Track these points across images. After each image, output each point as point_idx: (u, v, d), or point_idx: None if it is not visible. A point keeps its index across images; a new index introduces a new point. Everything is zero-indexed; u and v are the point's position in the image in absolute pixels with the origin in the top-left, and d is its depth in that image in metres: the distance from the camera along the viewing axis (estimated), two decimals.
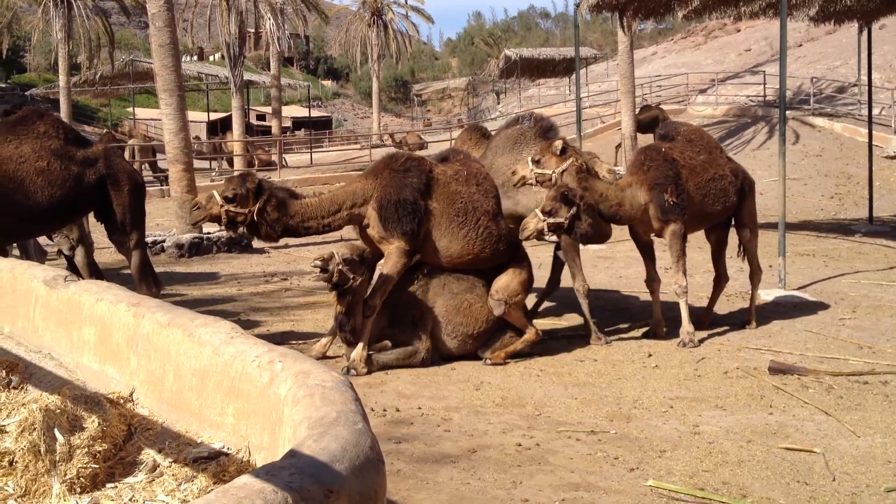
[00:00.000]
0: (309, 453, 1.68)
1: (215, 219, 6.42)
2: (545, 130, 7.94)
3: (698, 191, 7.42)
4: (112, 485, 2.41)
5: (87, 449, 2.40)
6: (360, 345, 6.50)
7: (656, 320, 7.65)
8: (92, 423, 2.49)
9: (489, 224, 6.79)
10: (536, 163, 7.11)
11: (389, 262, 6.55)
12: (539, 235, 7.13)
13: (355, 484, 1.67)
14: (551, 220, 6.86)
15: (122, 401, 2.87)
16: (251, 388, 2.38)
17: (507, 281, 6.83)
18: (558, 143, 7.14)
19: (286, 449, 1.77)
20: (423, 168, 6.70)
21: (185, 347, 2.69)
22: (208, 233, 13.71)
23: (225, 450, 2.44)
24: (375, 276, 6.70)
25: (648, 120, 23.31)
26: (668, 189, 7.16)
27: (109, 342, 3.15)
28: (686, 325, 7.30)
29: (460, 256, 6.78)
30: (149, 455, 2.53)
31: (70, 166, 7.01)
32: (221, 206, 6.31)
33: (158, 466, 2.44)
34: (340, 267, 6.27)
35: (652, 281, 7.64)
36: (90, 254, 8.28)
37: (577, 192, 6.91)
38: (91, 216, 7.73)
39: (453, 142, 8.88)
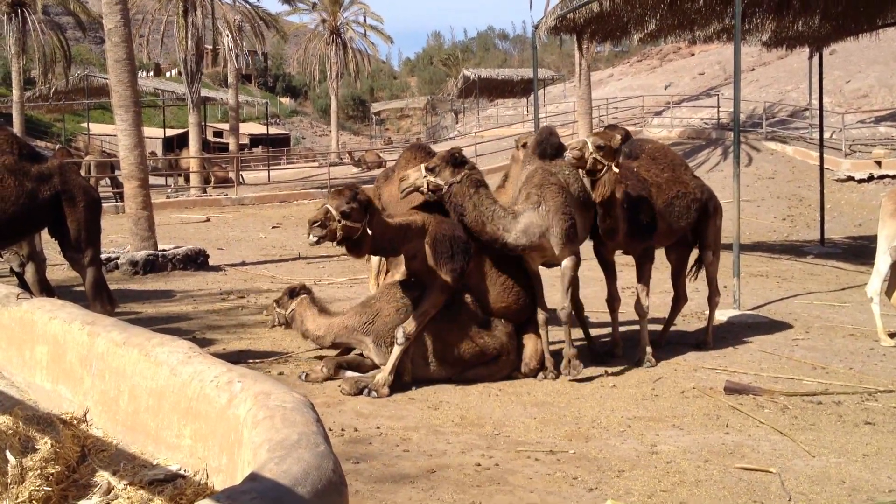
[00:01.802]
0: (270, 477, 1.64)
1: (332, 236, 6.07)
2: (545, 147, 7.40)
3: (666, 208, 7.48)
4: None
5: (39, 471, 2.33)
6: (389, 368, 6.42)
7: (614, 340, 7.69)
8: (45, 444, 2.42)
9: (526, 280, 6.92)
10: (430, 171, 6.56)
11: (431, 297, 6.51)
12: (418, 191, 6.64)
13: None
14: (432, 177, 6.51)
15: (75, 421, 2.80)
16: (209, 409, 2.33)
17: (533, 347, 6.89)
18: (455, 154, 6.78)
19: (245, 472, 1.73)
20: None
21: (141, 367, 2.63)
22: (163, 250, 13.54)
23: (182, 472, 2.39)
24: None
25: None
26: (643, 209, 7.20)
27: (63, 361, 3.07)
28: (645, 345, 7.37)
29: (494, 303, 6.85)
30: (103, 477, 2.46)
31: (24, 182, 6.89)
32: (339, 221, 6.01)
33: (113, 489, 2.37)
34: (341, 222, 6.03)
35: (613, 300, 7.67)
36: (41, 270, 8.12)
37: (468, 161, 6.71)
38: (45, 232, 7.59)
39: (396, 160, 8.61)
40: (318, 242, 6.19)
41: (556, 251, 6.75)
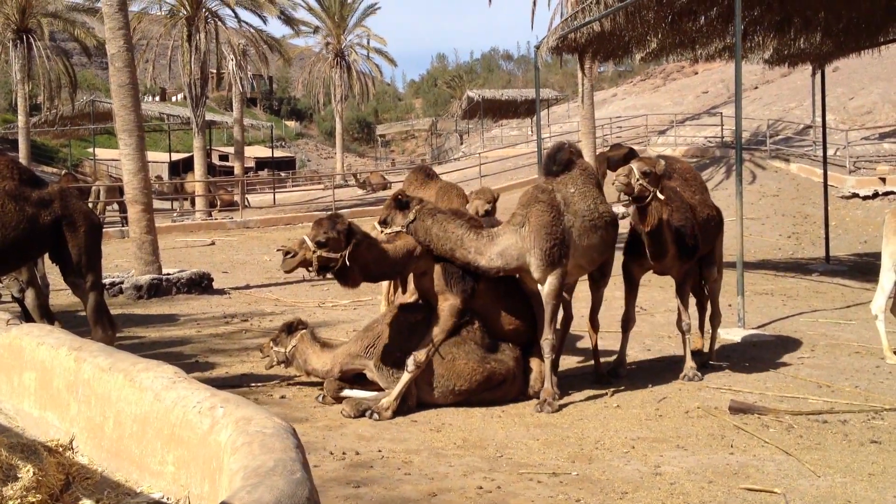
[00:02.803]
0: None
1: (306, 264, 6.12)
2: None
3: (701, 230, 7.52)
4: None
5: (20, 500, 2.29)
6: (395, 394, 6.36)
7: (620, 360, 7.63)
8: (27, 472, 2.38)
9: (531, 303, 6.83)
10: (383, 223, 6.52)
11: (441, 321, 6.46)
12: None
13: None
14: (388, 230, 6.48)
15: (61, 448, 2.76)
16: (191, 435, 2.29)
17: (538, 370, 6.79)
18: (398, 196, 6.68)
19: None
20: None
21: (125, 393, 2.59)
22: (168, 273, 13.53)
23: (164, 500, 2.34)
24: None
25: (618, 158, 23.49)
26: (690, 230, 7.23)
27: (50, 387, 3.04)
28: (689, 361, 7.45)
29: (502, 325, 6.78)
30: None
31: (25, 207, 6.87)
32: (314, 251, 6.05)
33: None
34: (317, 252, 6.04)
35: (629, 321, 7.63)
36: (41, 296, 8.09)
37: (412, 198, 6.59)
38: (46, 257, 7.57)
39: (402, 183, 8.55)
40: (290, 271, 6.29)
41: (536, 274, 6.58)
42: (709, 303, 8.21)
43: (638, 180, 6.70)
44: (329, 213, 6.50)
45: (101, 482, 2.60)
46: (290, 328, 7.03)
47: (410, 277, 7.21)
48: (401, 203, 6.49)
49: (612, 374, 7.50)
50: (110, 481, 2.59)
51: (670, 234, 7.08)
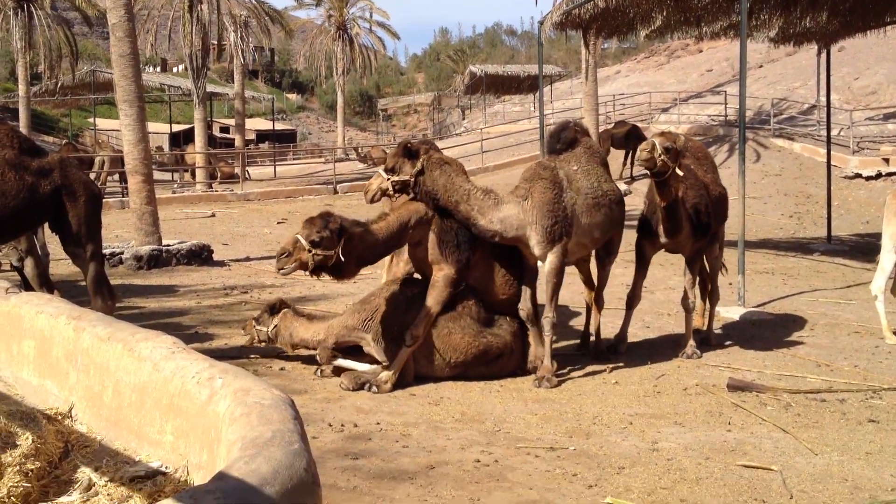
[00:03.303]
0: (238, 476, 1.59)
1: (303, 266, 6.16)
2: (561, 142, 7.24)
3: (714, 208, 7.55)
4: None
5: (18, 467, 2.29)
6: (395, 367, 6.37)
7: (621, 337, 7.63)
8: (26, 440, 2.38)
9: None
10: (391, 171, 6.38)
11: (435, 292, 6.45)
12: (385, 195, 6.58)
13: None
14: (395, 177, 6.36)
15: (60, 417, 2.77)
16: (190, 406, 2.29)
17: (538, 344, 6.78)
18: (408, 145, 6.61)
19: None
20: None
21: (124, 362, 2.59)
22: (168, 245, 13.52)
23: (163, 469, 2.35)
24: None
25: (623, 135, 23.40)
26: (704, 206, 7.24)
27: (49, 356, 3.04)
28: (689, 338, 7.47)
29: (496, 295, 6.77)
30: (85, 474, 2.42)
31: (24, 176, 6.85)
32: (309, 251, 6.09)
33: (94, 485, 2.34)
34: (312, 251, 6.08)
35: (634, 298, 7.64)
36: (40, 265, 8.09)
37: (420, 147, 6.54)
38: (47, 227, 7.56)
39: None
40: (287, 273, 6.35)
41: (536, 251, 6.57)
42: (710, 279, 8.22)
43: (660, 155, 6.69)
44: (321, 211, 6.46)
45: (100, 450, 2.61)
46: (273, 309, 7.12)
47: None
48: (409, 151, 6.41)
49: (611, 350, 7.52)
50: (109, 449, 2.59)
51: (685, 211, 7.10)
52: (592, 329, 7.61)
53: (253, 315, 7.38)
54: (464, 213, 6.43)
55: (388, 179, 6.36)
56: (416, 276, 6.96)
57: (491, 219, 6.46)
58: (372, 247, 6.37)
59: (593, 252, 7.41)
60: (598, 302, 7.55)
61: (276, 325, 7.02)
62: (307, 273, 6.27)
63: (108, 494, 2.30)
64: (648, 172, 6.91)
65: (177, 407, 2.36)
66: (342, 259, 6.14)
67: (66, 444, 2.59)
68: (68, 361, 2.93)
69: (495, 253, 6.75)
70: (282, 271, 6.27)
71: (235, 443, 1.79)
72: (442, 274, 6.46)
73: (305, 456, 1.77)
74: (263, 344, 7.19)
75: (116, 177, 24.67)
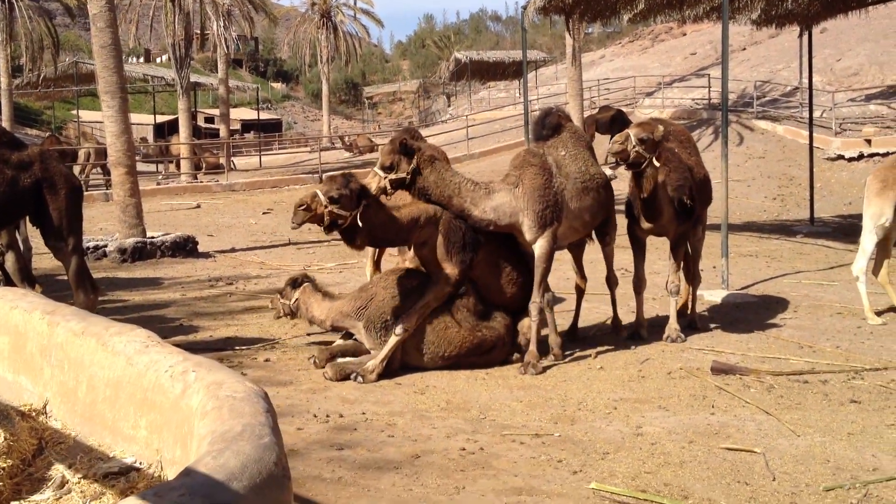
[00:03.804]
0: (205, 471, 1.58)
1: (317, 220, 6.10)
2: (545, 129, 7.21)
3: (698, 191, 7.54)
4: (17, 503, 2.29)
5: None
6: (381, 356, 6.36)
7: (639, 321, 7.61)
8: None
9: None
10: (389, 169, 6.31)
11: (436, 289, 6.48)
12: (384, 193, 6.48)
13: (255, 502, 1.58)
14: (393, 175, 6.32)
15: (34, 413, 2.75)
16: (164, 400, 2.28)
17: (527, 324, 6.75)
18: (404, 141, 6.50)
19: None
20: None
21: (98, 357, 2.57)
22: (152, 237, 13.47)
23: (137, 464, 2.33)
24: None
25: (608, 120, 23.38)
26: (688, 190, 7.21)
27: (23, 351, 3.01)
28: (673, 322, 7.47)
29: (499, 293, 6.79)
30: (58, 471, 2.41)
31: (4, 170, 6.82)
32: (326, 206, 6.01)
33: (67, 483, 2.32)
34: (329, 207, 6.02)
35: (640, 282, 7.63)
36: (21, 259, 8.04)
37: (415, 144, 6.45)
38: (28, 221, 7.52)
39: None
40: (299, 225, 6.23)
41: (528, 235, 6.61)
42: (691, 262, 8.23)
43: (634, 147, 6.67)
44: (342, 172, 6.42)
45: (74, 447, 2.59)
46: (295, 283, 7.13)
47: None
48: (406, 148, 6.37)
49: (632, 337, 7.51)
50: (83, 446, 2.58)
51: (666, 196, 7.08)
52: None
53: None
54: (457, 206, 6.46)
55: (386, 178, 6.34)
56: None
57: (484, 208, 6.49)
58: (385, 225, 6.30)
59: (594, 235, 7.48)
60: (610, 282, 7.66)
61: (296, 299, 7.03)
62: (322, 229, 6.19)
63: (81, 492, 2.29)
64: (623, 165, 6.89)
65: (151, 401, 2.35)
66: (359, 224, 6.08)
67: (41, 441, 2.58)
68: (43, 357, 2.91)
69: (499, 251, 6.78)
70: (294, 220, 6.15)
71: (206, 437, 1.78)
72: (445, 274, 6.47)
73: (276, 449, 1.76)
74: (288, 317, 7.22)
75: (99, 169, 24.50)
